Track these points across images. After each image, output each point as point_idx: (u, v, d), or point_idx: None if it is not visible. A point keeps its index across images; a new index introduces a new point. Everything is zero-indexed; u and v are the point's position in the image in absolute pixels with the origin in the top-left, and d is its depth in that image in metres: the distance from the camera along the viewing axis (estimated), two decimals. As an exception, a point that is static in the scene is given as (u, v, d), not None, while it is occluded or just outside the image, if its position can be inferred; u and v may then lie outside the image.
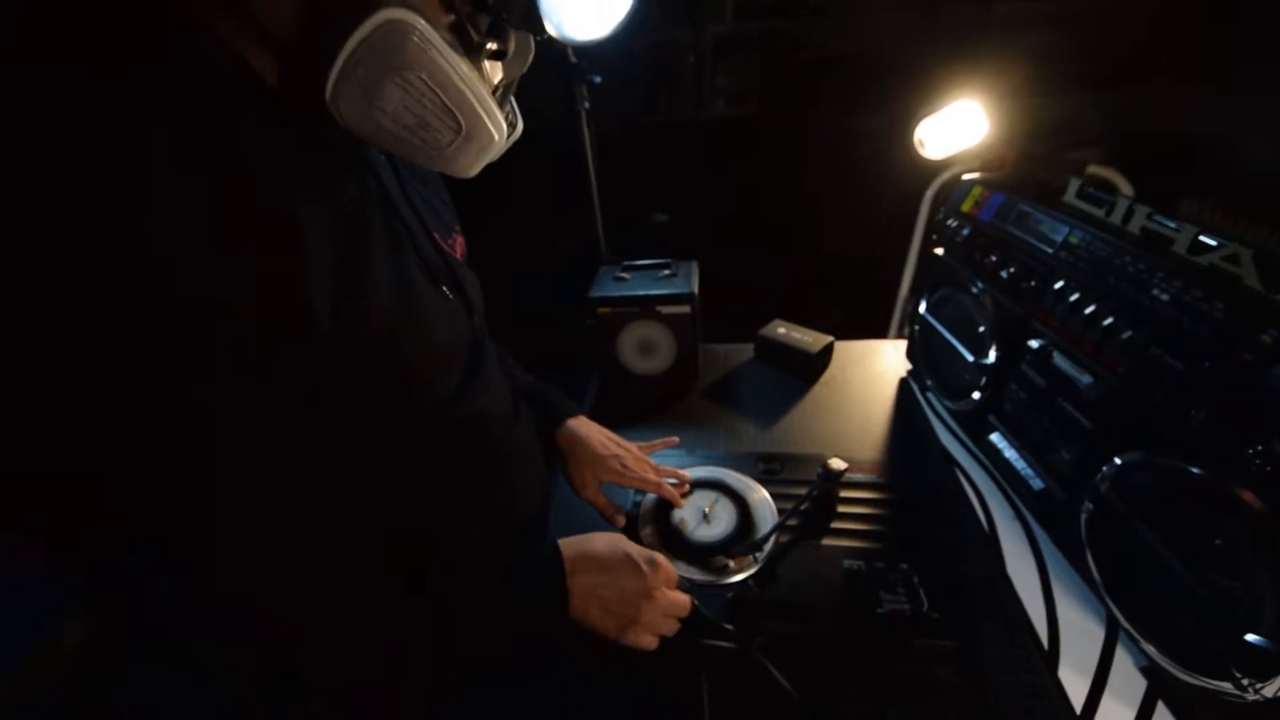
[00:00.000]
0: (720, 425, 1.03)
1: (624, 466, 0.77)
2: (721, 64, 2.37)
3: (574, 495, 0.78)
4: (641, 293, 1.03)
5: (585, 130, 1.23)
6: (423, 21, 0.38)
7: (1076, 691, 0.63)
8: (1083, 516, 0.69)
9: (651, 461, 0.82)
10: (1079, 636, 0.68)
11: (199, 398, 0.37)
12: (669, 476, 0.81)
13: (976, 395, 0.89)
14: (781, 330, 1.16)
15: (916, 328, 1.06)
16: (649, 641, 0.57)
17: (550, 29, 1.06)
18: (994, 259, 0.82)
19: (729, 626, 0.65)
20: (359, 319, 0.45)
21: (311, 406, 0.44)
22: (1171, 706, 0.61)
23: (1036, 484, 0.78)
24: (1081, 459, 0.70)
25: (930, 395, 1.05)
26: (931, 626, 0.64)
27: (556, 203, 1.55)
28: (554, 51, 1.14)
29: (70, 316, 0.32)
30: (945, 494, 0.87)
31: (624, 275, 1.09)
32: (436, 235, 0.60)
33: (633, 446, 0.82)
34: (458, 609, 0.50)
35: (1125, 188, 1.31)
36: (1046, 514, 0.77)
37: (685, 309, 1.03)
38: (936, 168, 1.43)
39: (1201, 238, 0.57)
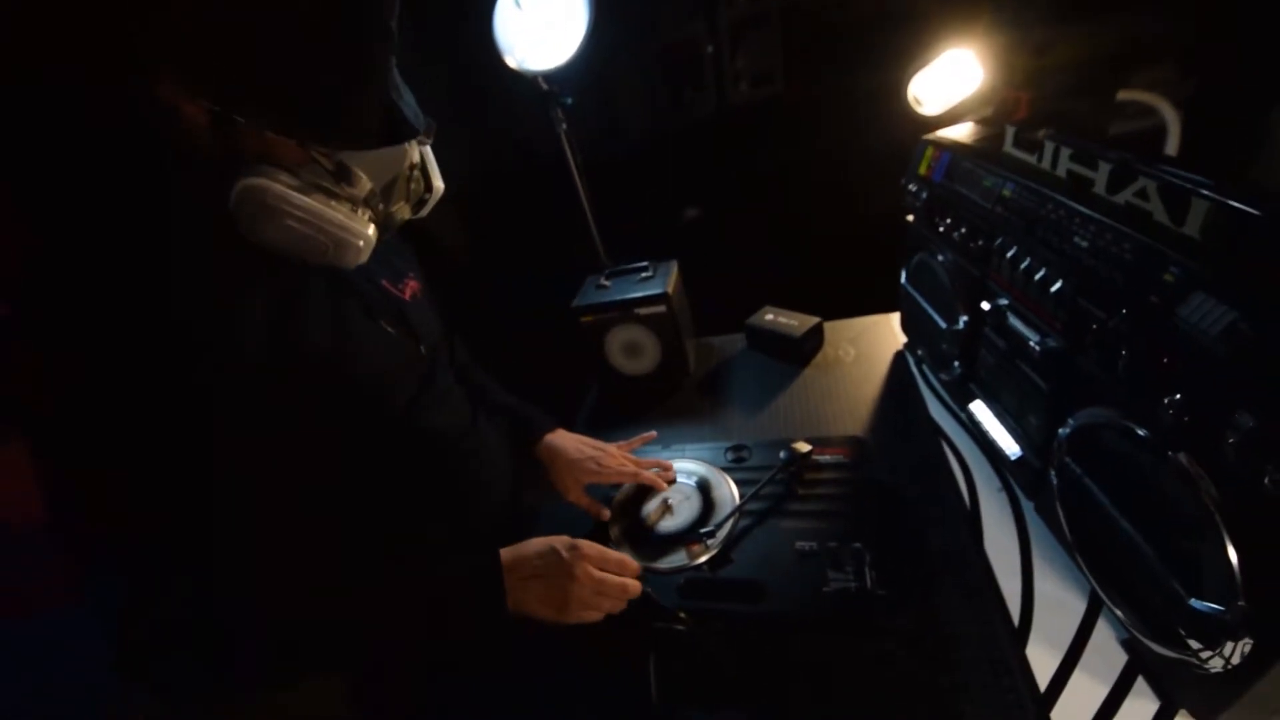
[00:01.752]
0: (707, 417, 1.05)
1: (600, 465, 0.82)
2: (741, 47, 2.34)
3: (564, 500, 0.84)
4: (619, 297, 1.07)
5: (566, 148, 1.29)
6: (271, 183, 0.47)
7: (1049, 668, 0.60)
8: (1053, 482, 0.65)
9: (631, 456, 0.86)
10: (1060, 613, 0.64)
11: (185, 406, 0.48)
12: (652, 467, 0.85)
13: (957, 364, 0.85)
14: (769, 317, 1.15)
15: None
16: (592, 616, 0.62)
17: (512, 63, 1.14)
18: (949, 221, 0.78)
19: (682, 614, 0.68)
20: (294, 345, 0.55)
21: (269, 420, 0.53)
22: (1151, 681, 0.56)
23: (1014, 452, 0.74)
24: (1046, 422, 0.66)
25: (925, 367, 1.00)
26: (877, 604, 0.63)
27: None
28: (526, 82, 1.21)
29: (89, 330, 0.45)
30: (929, 467, 0.84)
31: (605, 282, 1.14)
32: (385, 281, 0.69)
33: (610, 446, 0.87)
34: (413, 608, 0.58)
35: (1168, 111, 1.18)
36: (1027, 483, 0.73)
37: (661, 308, 1.06)
38: (947, 124, 1.33)
39: (1120, 174, 0.53)
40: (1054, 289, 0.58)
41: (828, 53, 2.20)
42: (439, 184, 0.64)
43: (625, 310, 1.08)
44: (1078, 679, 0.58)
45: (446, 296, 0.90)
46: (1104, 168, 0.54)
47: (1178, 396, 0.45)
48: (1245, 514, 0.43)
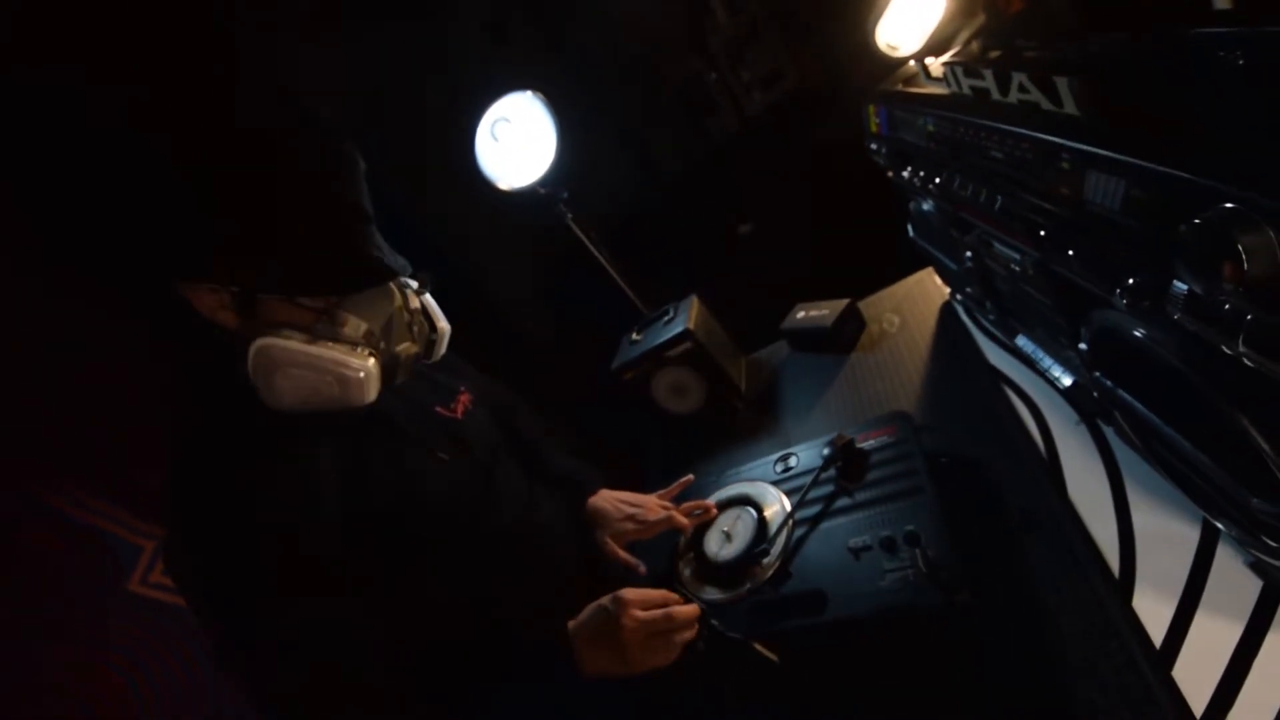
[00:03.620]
0: (763, 433, 1.04)
1: (639, 522, 0.86)
2: (742, 62, 2.40)
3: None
4: (648, 347, 1.13)
5: (579, 233, 1.40)
6: (278, 340, 0.58)
7: (1164, 617, 0.51)
8: (1106, 402, 0.57)
9: (669, 505, 0.88)
10: (1170, 550, 0.54)
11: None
12: (695, 509, 0.86)
13: (988, 303, 0.78)
14: (800, 314, 1.13)
15: (928, 251, 0.95)
16: (659, 660, 0.64)
17: (505, 186, 1.30)
18: (909, 169, 0.75)
19: (757, 644, 0.67)
20: (362, 494, 0.66)
21: (354, 556, 0.65)
22: (1299, 608, 0.45)
23: (1066, 380, 0.65)
24: (1070, 338, 0.58)
25: (976, 313, 0.92)
26: (939, 586, 0.58)
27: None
28: (526, 194, 1.36)
29: None
30: (993, 419, 0.76)
31: (637, 336, 1.20)
32: (439, 408, 0.80)
33: (650, 498, 0.90)
34: (498, 690, 0.66)
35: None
36: (1096, 409, 0.64)
37: (688, 345, 1.09)
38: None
39: (1000, 76, 0.49)
40: (998, 207, 0.54)
41: (824, 29, 2.17)
42: (443, 325, 0.74)
43: (656, 357, 1.12)
44: (1202, 623, 0.49)
45: (524, 375, 1.00)
46: (988, 75, 0.51)
47: (1130, 282, 0.40)
48: (1257, 395, 0.36)
